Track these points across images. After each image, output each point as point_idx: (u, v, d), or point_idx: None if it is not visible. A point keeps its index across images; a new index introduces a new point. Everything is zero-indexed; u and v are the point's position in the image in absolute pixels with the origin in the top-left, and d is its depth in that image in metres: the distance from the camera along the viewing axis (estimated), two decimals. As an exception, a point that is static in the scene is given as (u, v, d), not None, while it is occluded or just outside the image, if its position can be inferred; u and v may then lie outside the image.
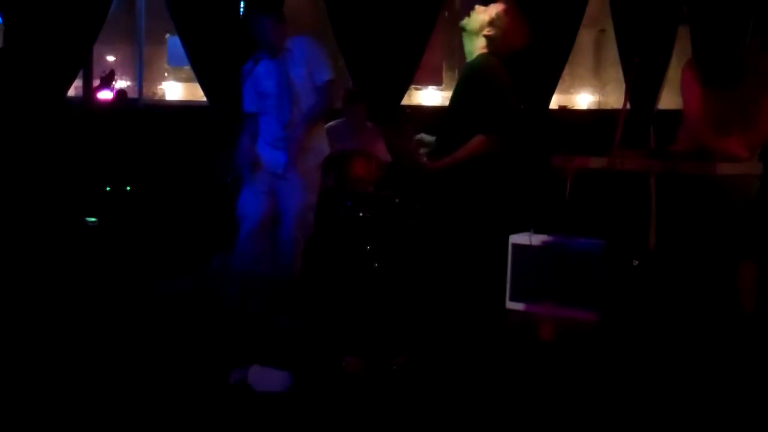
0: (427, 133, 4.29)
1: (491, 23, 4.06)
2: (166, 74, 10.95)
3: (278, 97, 4.70)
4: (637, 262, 4.97)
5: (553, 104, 7.27)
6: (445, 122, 4.14)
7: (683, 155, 4.06)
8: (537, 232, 5.39)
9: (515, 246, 5.34)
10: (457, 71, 9.07)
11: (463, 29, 4.13)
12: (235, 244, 4.85)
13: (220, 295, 4.88)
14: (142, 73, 8.53)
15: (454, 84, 4.42)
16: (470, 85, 4.05)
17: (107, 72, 8.27)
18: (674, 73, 6.24)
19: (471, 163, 3.92)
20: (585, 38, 8.33)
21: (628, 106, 4.73)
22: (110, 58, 10.25)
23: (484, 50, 4.07)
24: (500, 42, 4.07)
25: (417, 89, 9.49)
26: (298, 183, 4.76)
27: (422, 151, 4.23)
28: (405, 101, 7.33)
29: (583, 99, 9.85)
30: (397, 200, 5.52)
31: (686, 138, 4.30)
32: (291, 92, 4.68)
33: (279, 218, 4.82)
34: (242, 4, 6.87)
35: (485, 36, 4.06)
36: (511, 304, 5.33)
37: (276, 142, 4.76)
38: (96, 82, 7.94)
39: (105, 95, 8.00)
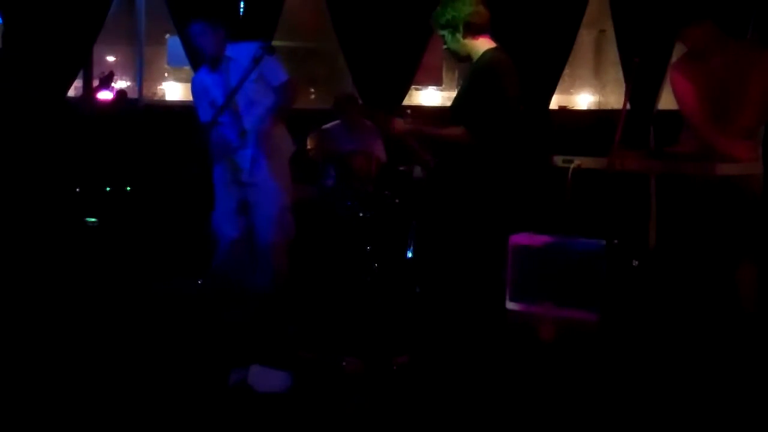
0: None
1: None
2: (166, 74, 10.95)
3: (228, 107, 4.71)
4: (637, 262, 4.98)
5: (553, 104, 7.27)
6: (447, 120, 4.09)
7: (683, 155, 4.05)
8: (537, 232, 5.39)
9: (515, 246, 5.33)
10: (456, 72, 9.07)
11: (448, 48, 4.03)
12: (214, 261, 4.91)
13: (216, 301, 4.90)
14: (142, 73, 8.53)
15: (453, 84, 4.38)
16: (472, 83, 3.97)
17: (106, 73, 8.27)
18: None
19: (471, 164, 3.91)
20: (585, 38, 8.34)
21: (628, 106, 4.73)
22: (110, 59, 10.27)
23: (476, 40, 3.94)
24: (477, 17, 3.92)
25: (417, 89, 9.49)
26: (269, 187, 4.79)
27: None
28: (405, 101, 7.34)
29: (583, 99, 9.85)
30: (397, 200, 5.52)
31: (689, 141, 4.28)
32: (243, 100, 4.70)
33: (255, 226, 4.85)
34: (242, 4, 6.87)
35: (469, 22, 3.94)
36: (511, 304, 5.32)
37: (233, 151, 4.80)
38: (95, 83, 7.95)
39: (105, 95, 8.00)
